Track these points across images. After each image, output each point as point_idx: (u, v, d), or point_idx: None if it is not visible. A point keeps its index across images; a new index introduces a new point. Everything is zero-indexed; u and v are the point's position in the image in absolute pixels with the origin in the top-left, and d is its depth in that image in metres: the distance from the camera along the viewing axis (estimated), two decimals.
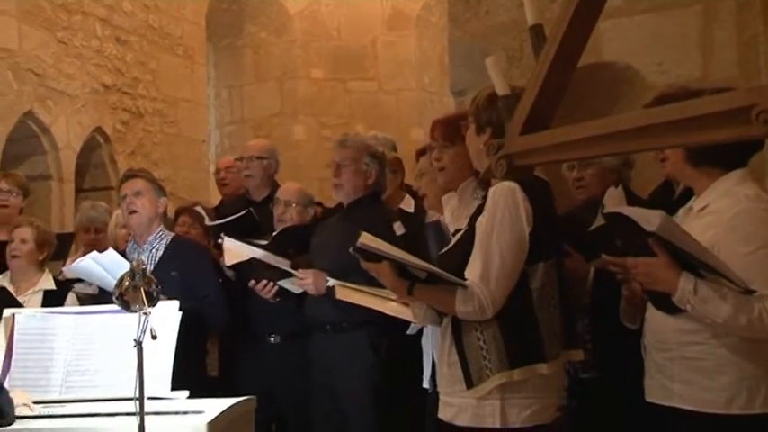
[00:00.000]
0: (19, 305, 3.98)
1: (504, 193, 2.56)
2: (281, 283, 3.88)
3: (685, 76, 4.03)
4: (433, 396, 3.37)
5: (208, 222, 4.79)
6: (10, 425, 3.13)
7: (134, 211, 4.03)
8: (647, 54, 4.15)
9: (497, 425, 2.55)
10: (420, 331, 3.53)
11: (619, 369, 3.05)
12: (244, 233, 4.25)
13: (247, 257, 3.86)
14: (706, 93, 2.28)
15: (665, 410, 2.59)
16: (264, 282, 3.91)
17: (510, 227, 2.54)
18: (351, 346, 3.80)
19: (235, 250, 3.97)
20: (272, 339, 4.22)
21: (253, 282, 3.96)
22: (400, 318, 3.29)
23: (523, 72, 4.17)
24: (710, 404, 2.47)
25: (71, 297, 4.39)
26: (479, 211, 2.65)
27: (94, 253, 3.92)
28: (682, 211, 2.68)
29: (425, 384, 3.49)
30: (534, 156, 2.03)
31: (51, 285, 4.43)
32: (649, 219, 2.36)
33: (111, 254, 3.87)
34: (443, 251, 2.79)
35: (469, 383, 2.58)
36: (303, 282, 3.80)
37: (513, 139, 2.01)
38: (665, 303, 2.49)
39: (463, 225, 2.81)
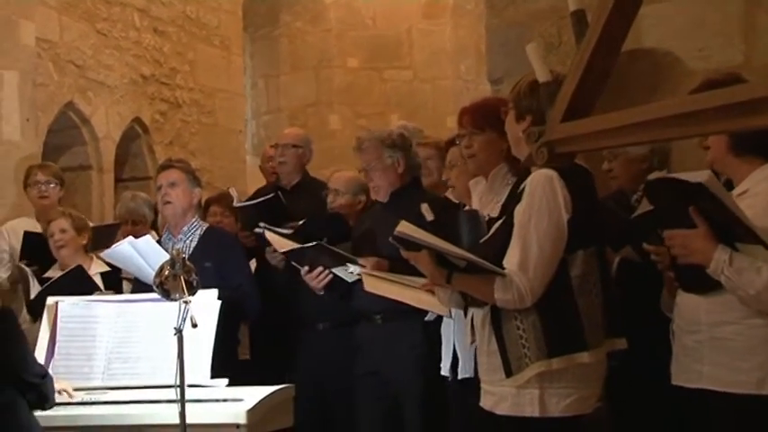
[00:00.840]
0: (93, 282, 4.12)
1: (542, 180, 2.53)
2: (335, 270, 3.80)
3: (727, 61, 3.96)
4: (453, 384, 3.36)
5: (235, 203, 4.80)
6: (49, 409, 3.18)
7: (168, 202, 4.07)
8: (688, 40, 4.09)
9: (536, 414, 2.52)
10: (438, 319, 3.50)
11: (643, 358, 3.00)
12: (271, 217, 4.26)
13: (313, 243, 3.78)
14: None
15: (691, 393, 2.58)
16: (320, 269, 3.84)
17: (548, 214, 2.51)
18: (403, 335, 3.76)
19: (281, 241, 3.95)
20: (321, 327, 4.21)
21: (306, 269, 3.89)
22: (423, 308, 3.29)
23: (562, 59, 4.12)
24: (742, 385, 2.45)
25: (126, 284, 4.45)
26: (512, 198, 2.64)
27: (131, 238, 3.96)
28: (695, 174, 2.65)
29: (444, 372, 3.46)
30: (575, 143, 2.01)
31: (105, 267, 4.49)
32: (697, 174, 2.34)
33: (148, 240, 3.91)
34: (483, 240, 2.76)
35: (508, 372, 2.55)
36: (362, 269, 3.69)
37: (554, 126, 1.99)
38: (697, 283, 2.51)
39: (492, 211, 2.80)
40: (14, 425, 3.02)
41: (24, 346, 3.18)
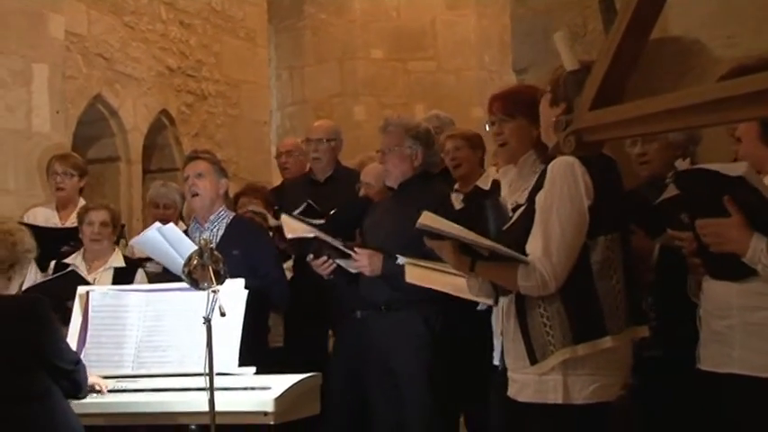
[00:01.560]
0: (87, 283, 4.03)
1: (563, 167, 2.52)
2: (339, 261, 3.85)
3: (757, 49, 3.90)
4: (500, 373, 3.36)
5: (272, 223, 4.73)
6: (82, 399, 3.21)
7: (196, 194, 4.09)
8: (716, 27, 4.03)
9: (559, 401, 2.50)
10: (489, 309, 3.50)
11: (683, 348, 2.96)
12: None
13: (310, 235, 3.84)
14: None
15: (720, 378, 2.56)
16: (324, 258, 3.88)
17: (569, 200, 2.50)
18: (405, 325, 3.78)
19: (293, 225, 3.97)
20: (359, 314, 4.18)
21: (311, 257, 3.93)
22: (463, 296, 3.28)
23: (587, 49, 4.10)
24: None
25: (140, 274, 4.44)
26: (538, 185, 2.61)
27: (158, 224, 3.97)
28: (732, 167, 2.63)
29: (496, 362, 3.46)
30: (604, 131, 1.97)
31: (121, 263, 4.50)
32: (734, 167, 2.34)
33: (173, 228, 3.92)
34: (506, 227, 2.76)
35: (533, 360, 2.54)
36: (358, 263, 3.76)
37: (583, 114, 1.95)
38: (729, 271, 2.49)
39: (521, 198, 2.78)
40: (50, 411, 3.05)
41: (58, 333, 3.21)
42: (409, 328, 3.77)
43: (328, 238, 3.82)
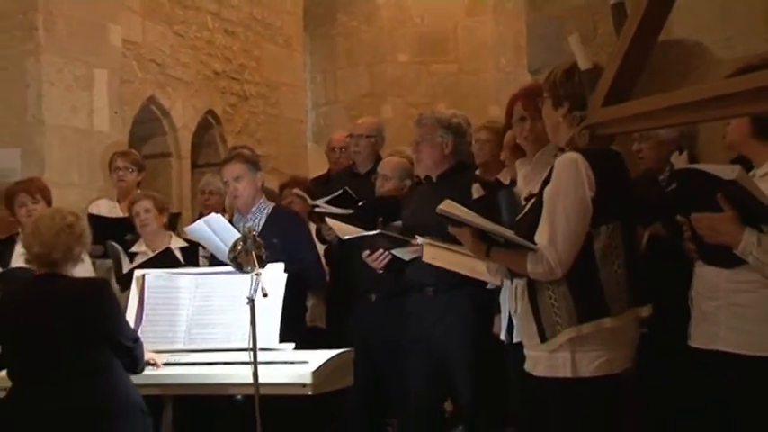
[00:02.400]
0: (180, 263, 4.13)
1: (568, 162, 2.52)
2: (395, 252, 3.78)
3: (752, 50, 3.84)
4: (509, 347, 3.33)
5: (310, 202, 4.71)
6: (140, 373, 3.22)
7: (237, 197, 4.10)
8: (716, 30, 3.97)
9: (569, 375, 2.51)
10: (497, 288, 3.47)
11: (670, 324, 2.94)
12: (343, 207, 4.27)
13: (374, 232, 3.79)
14: None
15: (708, 354, 2.56)
16: (380, 252, 3.83)
17: (573, 193, 2.49)
18: (453, 306, 3.73)
19: (344, 228, 3.93)
20: (373, 297, 4.19)
21: (367, 252, 3.88)
22: (475, 277, 3.25)
23: (596, 51, 4.03)
24: (756, 347, 2.44)
25: (201, 259, 4.47)
26: (549, 179, 2.60)
27: (207, 217, 3.98)
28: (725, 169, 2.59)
29: (501, 336, 3.43)
30: (616, 126, 1.96)
31: (183, 243, 4.53)
32: (727, 170, 2.32)
33: (218, 218, 3.92)
34: (519, 217, 2.75)
35: (543, 338, 2.56)
36: (415, 249, 3.66)
37: (596, 110, 1.94)
38: (720, 258, 2.47)
39: (534, 189, 2.75)
40: (113, 383, 3.07)
41: (120, 312, 3.23)
42: (458, 309, 3.73)
43: (389, 232, 3.79)
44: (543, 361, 2.57)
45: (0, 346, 3.22)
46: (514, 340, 3.26)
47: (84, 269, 3.87)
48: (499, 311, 3.49)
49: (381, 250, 3.82)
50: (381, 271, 3.89)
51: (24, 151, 5.41)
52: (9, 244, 4.43)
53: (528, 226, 2.59)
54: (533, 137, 3.05)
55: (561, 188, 2.51)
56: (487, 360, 3.75)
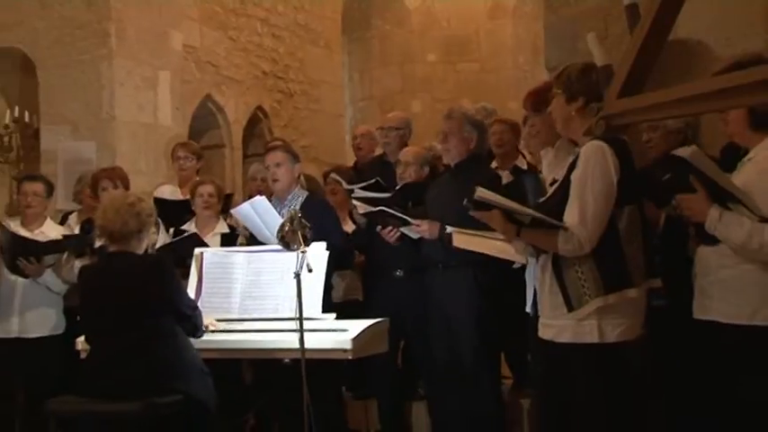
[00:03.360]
0: (205, 244, 4.09)
1: (595, 149, 2.49)
2: (402, 229, 3.84)
3: (750, 48, 3.75)
4: (533, 319, 3.31)
5: (345, 186, 4.76)
6: (200, 338, 3.25)
7: (276, 180, 4.09)
8: (717, 30, 3.89)
9: (595, 340, 2.50)
10: (523, 266, 3.44)
11: (684, 297, 2.90)
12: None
13: (377, 209, 3.83)
14: None
15: (705, 324, 2.56)
16: (390, 228, 3.88)
17: (601, 176, 2.47)
18: (458, 281, 3.75)
19: (362, 205, 3.96)
20: (398, 273, 4.19)
21: (380, 227, 3.94)
22: (501, 257, 3.21)
23: (608, 50, 3.95)
24: (738, 316, 2.44)
25: (240, 239, 4.48)
26: (575, 164, 2.56)
27: (252, 199, 3.97)
28: (739, 164, 2.60)
29: (528, 309, 3.41)
30: (630, 116, 1.93)
31: (226, 229, 4.54)
32: (683, 150, 2.33)
33: (262, 200, 3.91)
34: (544, 199, 2.71)
35: (570, 308, 2.53)
36: (419, 229, 3.76)
37: (611, 102, 1.91)
38: (708, 237, 2.46)
39: (558, 175, 2.72)
40: (174, 346, 3.10)
41: (180, 284, 3.26)
42: (462, 283, 3.73)
43: (393, 212, 3.81)
44: (569, 329, 2.54)
45: (82, 316, 3.28)
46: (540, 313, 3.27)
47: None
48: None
49: (391, 227, 3.85)
50: (396, 244, 3.92)
51: (99, 143, 5.48)
52: (93, 223, 4.50)
53: (554, 207, 2.57)
54: (535, 131, 3.07)
55: (589, 173, 2.48)
56: (492, 328, 3.76)
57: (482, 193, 2.54)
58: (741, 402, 2.46)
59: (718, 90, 1.76)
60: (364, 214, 3.98)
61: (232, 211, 4.34)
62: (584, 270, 2.51)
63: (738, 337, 2.44)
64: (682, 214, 2.65)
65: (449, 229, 3.46)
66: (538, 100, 3.02)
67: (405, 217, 3.79)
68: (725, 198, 2.36)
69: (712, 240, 2.47)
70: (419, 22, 9.08)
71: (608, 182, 2.47)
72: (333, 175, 4.91)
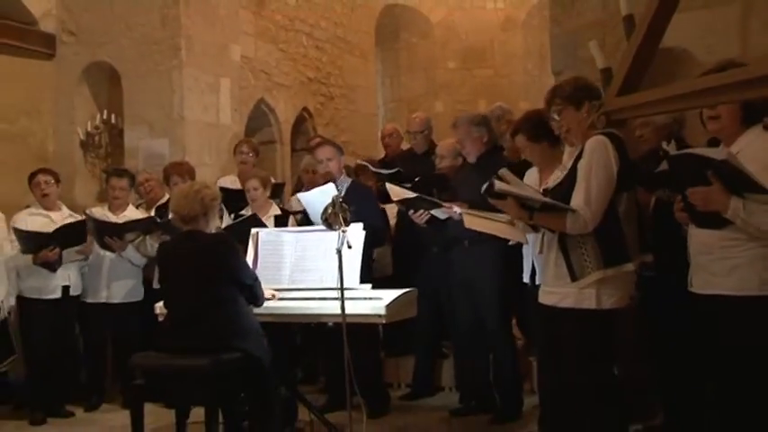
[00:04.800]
0: (263, 225, 4.14)
1: (599, 142, 2.49)
2: (433, 211, 3.81)
3: (728, 55, 3.67)
4: (532, 288, 3.28)
5: (372, 168, 4.87)
6: (260, 307, 3.26)
7: (329, 172, 4.09)
8: (699, 40, 3.80)
9: (593, 306, 2.51)
10: (518, 244, 3.41)
11: (673, 269, 2.87)
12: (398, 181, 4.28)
13: (413, 195, 3.80)
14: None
15: (705, 298, 2.48)
16: (421, 211, 3.86)
17: (603, 166, 2.47)
18: (483, 255, 3.73)
19: (396, 191, 3.93)
20: (434, 250, 4.17)
21: (412, 211, 3.91)
22: (503, 236, 3.20)
23: (606, 57, 3.92)
24: (747, 288, 2.36)
25: (291, 219, 4.51)
26: (579, 157, 2.56)
27: (323, 186, 3.91)
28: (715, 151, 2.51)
29: (525, 280, 3.38)
30: (627, 112, 1.88)
31: (278, 212, 4.57)
32: (717, 152, 2.24)
33: (330, 187, 3.89)
34: (553, 185, 2.69)
35: (573, 278, 2.53)
36: (450, 210, 3.72)
37: (611, 99, 1.86)
38: (711, 221, 2.39)
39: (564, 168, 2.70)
40: (236, 311, 3.12)
41: (242, 258, 3.27)
42: (487, 257, 3.71)
43: (427, 197, 3.80)
44: (572, 296, 2.54)
45: (160, 285, 3.32)
46: (537, 282, 3.23)
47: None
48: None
49: (422, 210, 3.83)
50: (425, 225, 3.90)
51: (171, 140, 5.53)
52: (166, 209, 4.56)
53: (564, 192, 2.56)
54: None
55: (594, 162, 2.48)
56: (510, 296, 3.74)
57: (500, 185, 2.53)
58: (739, 369, 2.38)
59: (702, 89, 1.72)
60: (399, 201, 3.93)
61: (298, 195, 4.33)
62: (588, 247, 2.51)
63: (744, 307, 2.37)
64: (688, 203, 2.57)
65: (458, 210, 3.45)
66: (534, 131, 3.02)
67: (437, 201, 3.77)
68: (740, 190, 2.28)
69: (715, 225, 2.40)
70: (441, 34, 8.99)
71: (609, 171, 2.48)
72: (359, 161, 4.98)
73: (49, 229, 4.28)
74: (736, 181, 2.25)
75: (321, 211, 3.77)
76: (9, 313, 4.26)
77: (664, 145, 3.32)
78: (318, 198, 3.85)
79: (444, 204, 3.73)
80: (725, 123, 2.47)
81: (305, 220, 4.09)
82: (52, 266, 4.26)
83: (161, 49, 5.53)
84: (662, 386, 3.30)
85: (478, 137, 3.82)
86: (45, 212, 4.47)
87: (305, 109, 7.00)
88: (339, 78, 7.44)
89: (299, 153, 6.83)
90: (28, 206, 4.55)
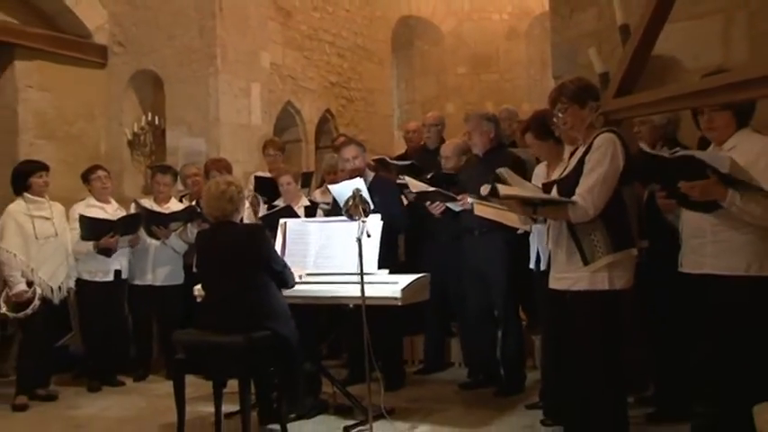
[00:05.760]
0: (296, 215, 4.18)
1: (608, 138, 2.45)
2: (448, 204, 3.79)
3: (712, 63, 3.62)
4: (537, 273, 3.26)
5: (388, 159, 4.88)
6: (291, 289, 3.27)
7: (356, 169, 4.03)
8: (686, 48, 3.75)
9: (606, 287, 2.48)
10: (525, 232, 3.38)
11: (662, 256, 2.84)
12: (411, 173, 4.28)
13: (432, 189, 3.80)
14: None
15: (695, 277, 2.46)
16: (437, 203, 3.83)
17: (611, 160, 2.44)
18: (492, 243, 3.70)
19: (415, 183, 3.93)
20: (443, 239, 4.15)
21: (429, 202, 3.89)
22: (509, 225, 3.19)
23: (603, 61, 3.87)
24: (735, 269, 2.36)
25: (319, 210, 4.52)
26: (587, 151, 2.52)
27: (352, 179, 3.82)
28: (710, 149, 2.51)
29: (531, 266, 3.35)
30: (623, 112, 1.87)
31: (307, 203, 4.60)
32: (722, 163, 2.20)
33: (358, 181, 3.83)
34: (562, 177, 2.65)
35: (586, 262, 2.50)
36: (462, 204, 3.72)
37: (609, 101, 1.84)
38: (703, 207, 2.38)
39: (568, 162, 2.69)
40: (266, 294, 3.13)
41: (271, 246, 3.26)
42: (496, 245, 3.69)
43: (442, 190, 3.79)
44: (585, 279, 2.51)
45: (198, 269, 3.34)
46: (542, 269, 3.20)
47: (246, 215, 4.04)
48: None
49: (438, 202, 3.81)
50: (440, 216, 3.88)
51: (207, 139, 5.57)
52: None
53: (572, 183, 2.53)
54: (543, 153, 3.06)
55: (602, 155, 2.45)
56: (517, 281, 3.71)
57: (504, 191, 2.52)
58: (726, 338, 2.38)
59: (690, 92, 1.72)
60: (418, 193, 3.90)
61: (329, 186, 4.30)
62: (597, 234, 2.48)
63: (731, 285, 2.37)
64: (677, 192, 2.54)
65: (469, 200, 3.44)
66: (541, 130, 2.99)
67: (451, 194, 3.77)
68: (736, 182, 2.28)
69: (707, 209, 2.39)
70: (451, 42, 8.91)
71: (616, 165, 2.44)
72: (374, 158, 4.93)
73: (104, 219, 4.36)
74: (738, 184, 2.24)
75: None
76: (68, 294, 4.32)
77: (657, 147, 3.28)
78: (347, 189, 3.85)
79: (458, 198, 3.73)
80: (720, 129, 2.46)
81: (335, 207, 4.07)
82: (108, 252, 4.35)
83: (199, 57, 5.58)
84: (653, 362, 3.27)
85: (486, 131, 3.81)
86: (100, 204, 4.53)
87: (328, 110, 6.98)
88: (359, 83, 7.42)
89: (322, 150, 6.83)
90: (83, 199, 4.61)
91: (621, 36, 1.92)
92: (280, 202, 4.56)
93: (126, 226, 4.36)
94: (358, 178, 3.75)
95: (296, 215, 4.11)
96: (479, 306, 3.88)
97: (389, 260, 3.47)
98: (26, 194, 4.16)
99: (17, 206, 4.13)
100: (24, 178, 4.18)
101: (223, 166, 4.80)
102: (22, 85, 5.40)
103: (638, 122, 3.22)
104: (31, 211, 4.12)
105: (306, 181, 4.87)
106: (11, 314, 4.00)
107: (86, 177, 4.56)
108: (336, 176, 4.61)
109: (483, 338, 3.93)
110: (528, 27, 8.90)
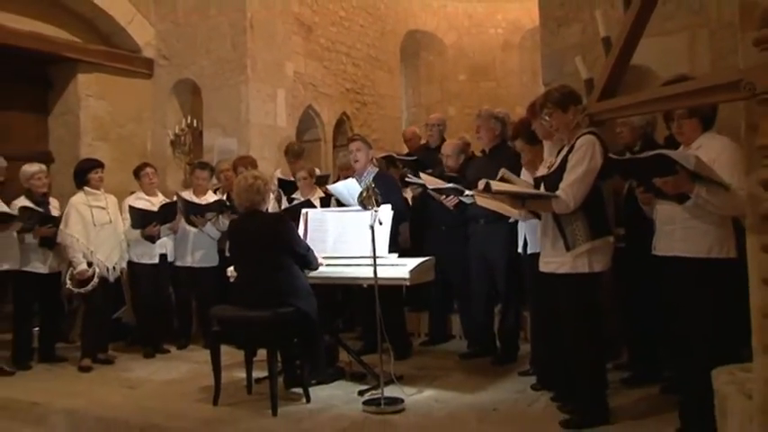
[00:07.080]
0: (314, 206, 4.18)
1: (588, 139, 2.49)
2: (461, 198, 3.74)
3: (679, 71, 3.57)
4: (525, 256, 3.25)
5: (394, 155, 4.88)
6: (314, 271, 3.27)
7: (357, 161, 4.06)
8: (658, 60, 3.71)
9: (586, 270, 2.51)
10: (516, 221, 3.36)
11: (638, 242, 2.84)
12: (415, 167, 4.30)
13: (449, 184, 3.76)
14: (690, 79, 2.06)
15: (666, 259, 2.46)
16: (452, 197, 3.80)
17: (590, 159, 2.46)
18: (496, 231, 3.68)
19: (431, 180, 3.88)
20: (444, 228, 4.13)
21: (444, 197, 3.84)
22: (506, 214, 3.15)
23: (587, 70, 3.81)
24: (698, 252, 2.36)
25: (333, 200, 4.51)
26: (570, 151, 2.53)
27: (346, 180, 3.98)
28: (680, 149, 2.49)
29: (519, 250, 3.33)
30: (606, 114, 1.85)
31: (322, 195, 4.60)
32: (689, 160, 2.19)
33: (353, 181, 3.91)
34: (547, 173, 2.65)
35: (568, 248, 2.53)
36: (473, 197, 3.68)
37: (592, 103, 1.83)
38: (676, 198, 2.36)
39: (555, 159, 2.66)
40: (290, 274, 3.14)
41: (295, 232, 3.27)
42: (500, 233, 3.66)
43: (458, 186, 3.74)
44: (568, 263, 2.54)
45: (230, 253, 3.35)
46: (528, 252, 3.20)
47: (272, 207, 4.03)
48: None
49: (452, 196, 3.79)
50: (454, 209, 3.84)
51: (239, 139, 5.59)
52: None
53: (553, 179, 2.55)
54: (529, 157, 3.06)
55: (583, 156, 2.47)
56: (516, 266, 3.68)
57: (496, 187, 2.53)
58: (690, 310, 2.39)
59: (662, 96, 1.73)
60: (435, 189, 3.86)
61: (329, 187, 4.35)
62: (578, 224, 2.51)
63: (696, 266, 2.38)
64: (654, 187, 2.52)
65: (467, 192, 3.42)
66: (529, 136, 2.98)
67: (462, 188, 3.71)
68: (702, 177, 2.27)
69: (678, 200, 2.38)
70: (453, 53, 8.85)
71: (594, 163, 2.46)
72: (382, 155, 4.90)
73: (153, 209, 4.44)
74: (703, 179, 2.23)
75: (346, 197, 3.82)
76: (121, 273, 4.40)
77: (638, 146, 3.24)
78: (343, 188, 3.88)
79: (468, 192, 3.63)
80: (688, 134, 2.46)
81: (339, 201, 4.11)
82: (153, 239, 4.45)
83: (232, 67, 5.61)
84: (628, 333, 3.27)
85: (493, 128, 3.80)
86: (147, 197, 4.60)
87: (344, 113, 6.97)
88: (371, 89, 7.39)
89: (339, 148, 6.82)
90: (133, 192, 4.68)
91: (604, 47, 1.90)
92: (298, 196, 4.57)
93: (165, 215, 4.45)
94: (350, 179, 3.79)
95: (313, 206, 4.13)
96: (481, 286, 3.87)
97: (392, 246, 3.46)
98: (86, 188, 4.28)
99: (78, 198, 4.25)
100: (84, 174, 4.30)
101: (249, 162, 4.83)
102: (83, 95, 5.64)
103: (620, 123, 3.19)
104: (89, 201, 4.24)
105: (321, 182, 4.86)
106: (75, 289, 4.12)
107: (137, 174, 4.64)
108: (349, 172, 4.62)
109: (484, 314, 3.93)
110: (521, 40, 8.83)
